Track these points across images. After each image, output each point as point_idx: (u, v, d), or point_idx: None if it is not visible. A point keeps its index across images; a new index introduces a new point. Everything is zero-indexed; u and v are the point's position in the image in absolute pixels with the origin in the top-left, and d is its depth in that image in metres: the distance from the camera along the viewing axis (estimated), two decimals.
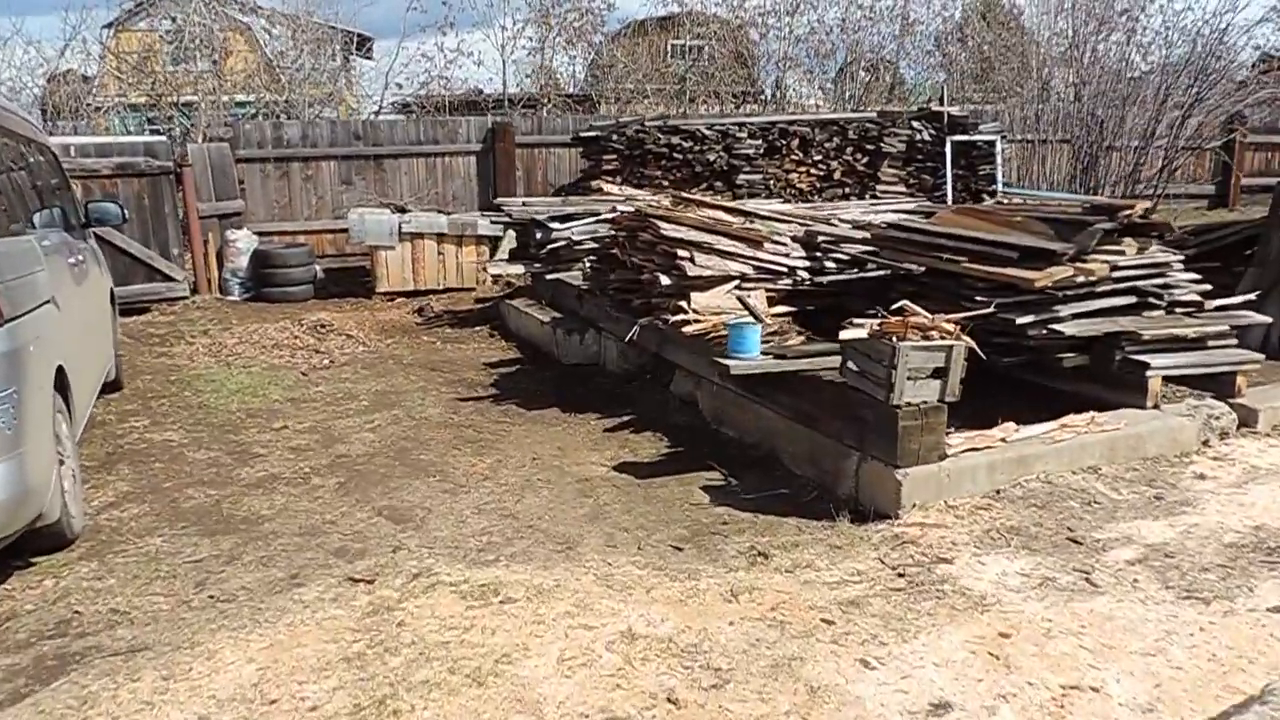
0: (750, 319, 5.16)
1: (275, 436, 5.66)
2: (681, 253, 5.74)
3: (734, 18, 18.89)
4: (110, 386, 6.66)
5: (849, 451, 4.35)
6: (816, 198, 12.17)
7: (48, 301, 4.04)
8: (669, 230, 5.79)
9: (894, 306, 4.23)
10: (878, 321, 4.11)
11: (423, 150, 12.23)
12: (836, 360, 4.65)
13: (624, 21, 19.90)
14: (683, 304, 5.67)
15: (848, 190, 12.60)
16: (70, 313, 4.62)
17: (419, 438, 5.61)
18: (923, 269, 5.28)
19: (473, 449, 5.37)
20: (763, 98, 19.36)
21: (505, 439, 5.58)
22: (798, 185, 12.42)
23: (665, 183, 11.63)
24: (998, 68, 18.03)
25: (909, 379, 3.95)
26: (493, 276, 9.83)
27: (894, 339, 3.95)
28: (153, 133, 15.16)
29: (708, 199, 6.67)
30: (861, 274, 5.91)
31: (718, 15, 19.00)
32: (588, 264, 7.32)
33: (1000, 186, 12.50)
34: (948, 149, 12.56)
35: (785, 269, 6.12)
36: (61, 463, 3.95)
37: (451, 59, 17.18)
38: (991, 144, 12.92)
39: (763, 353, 4.73)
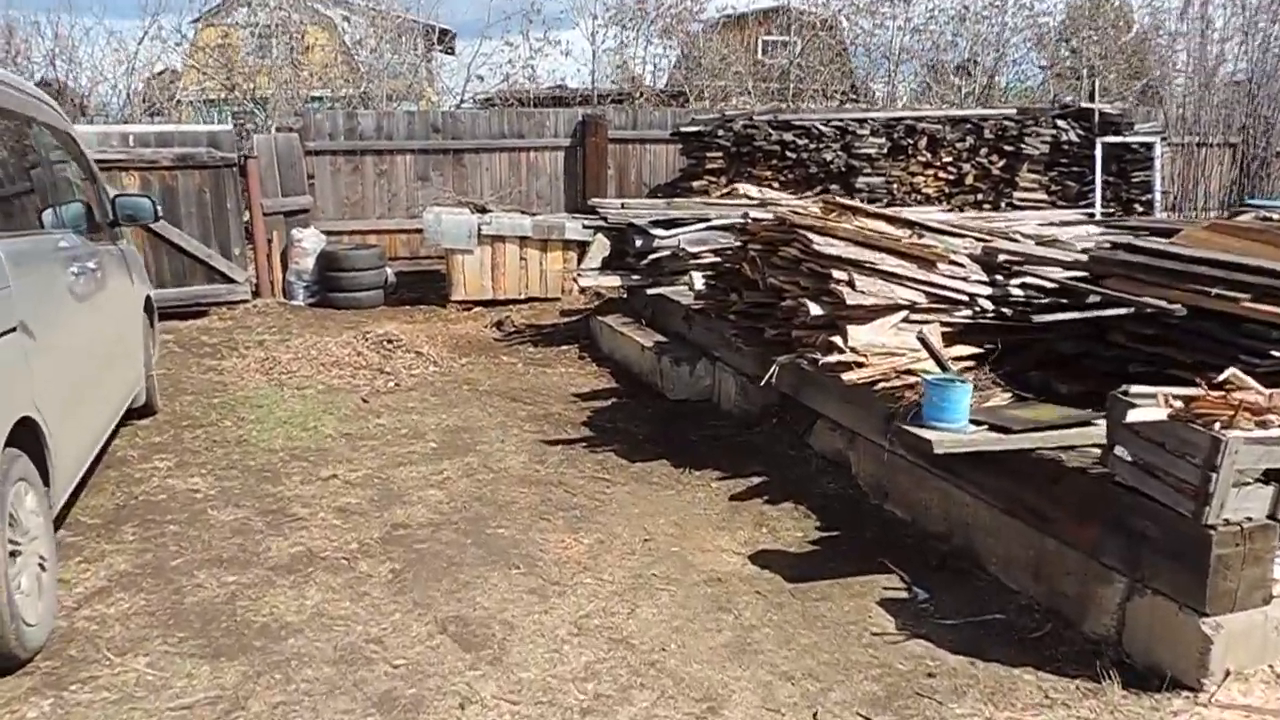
0: (943, 371, 3.86)
1: (320, 490, 4.55)
2: (838, 274, 4.45)
3: (846, 4, 17.38)
4: (140, 412, 5.68)
5: (1108, 574, 3.02)
6: (943, 204, 10.72)
7: (9, 331, 2.97)
8: (822, 245, 4.51)
9: (1219, 378, 2.86)
10: (1179, 394, 2.77)
11: (506, 145, 11.16)
12: (1076, 435, 3.33)
13: (722, 10, 18.59)
14: (835, 339, 4.39)
15: (980, 197, 11.12)
16: (60, 337, 3.57)
17: (497, 499, 4.44)
18: (1178, 306, 3.89)
19: (565, 520, 4.18)
20: (870, 96, 17.86)
21: (605, 505, 4.37)
22: (923, 190, 10.99)
23: (775, 184, 10.33)
24: (1144, 60, 16.19)
25: (1234, 486, 2.60)
26: (581, 288, 8.67)
27: (1214, 425, 2.61)
28: (238, 128, 14.50)
29: (868, 206, 5.39)
30: (1071, 306, 4.53)
31: (825, 5, 17.55)
32: (701, 279, 6.07)
33: (1254, 201, 10.75)
34: (1098, 151, 10.96)
35: (965, 296, 4.78)
36: (15, 555, 2.87)
37: (538, 48, 16.14)
38: (1149, 146, 11.26)
39: (973, 420, 3.42)
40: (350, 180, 10.73)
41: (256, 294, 9.72)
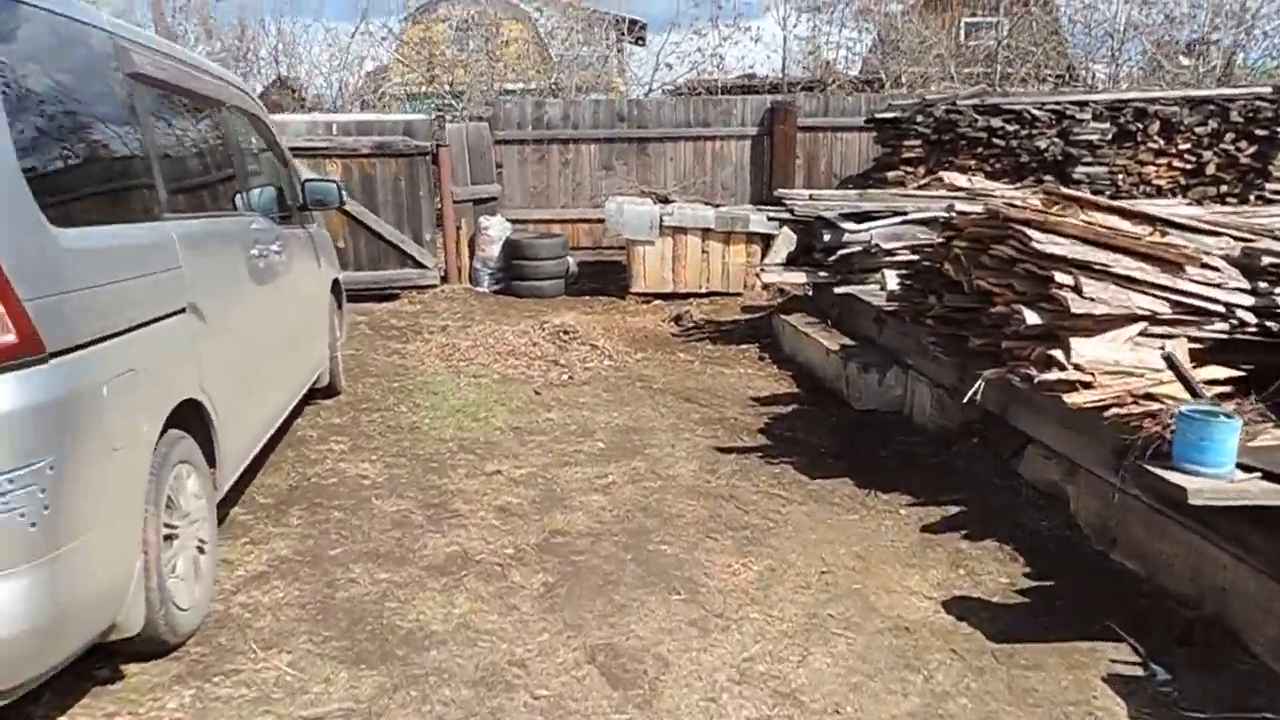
0: (1194, 398, 3.19)
1: (483, 486, 4.41)
2: (1061, 277, 3.82)
3: None
4: (324, 392, 5.80)
5: None
6: (1179, 197, 9.48)
7: (178, 312, 2.94)
8: (1044, 243, 3.89)
9: None
10: None
11: (691, 133, 10.88)
12: None
13: None
14: (1055, 353, 3.77)
15: (1224, 189, 9.78)
16: (237, 319, 3.56)
17: (663, 510, 4.14)
18: None
19: (734, 541, 3.81)
20: (1090, 78, 16.27)
21: (780, 526, 3.97)
22: (1154, 181, 9.79)
23: (980, 174, 9.48)
24: None
25: None
26: (764, 283, 8.25)
27: None
28: (437, 119, 15.05)
29: (1099, 199, 4.66)
30: None
31: None
32: (895, 279, 5.51)
33: None
34: None
35: (1219, 307, 4.02)
36: (171, 539, 2.83)
37: (726, 35, 15.76)
38: None
39: (1241, 465, 2.76)
40: (536, 169, 10.79)
41: (445, 279, 9.93)
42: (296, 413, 5.48)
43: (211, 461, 3.27)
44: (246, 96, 4.52)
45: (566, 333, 7.50)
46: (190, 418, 3.04)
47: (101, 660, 2.73)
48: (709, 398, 5.97)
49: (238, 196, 4.04)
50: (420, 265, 9.63)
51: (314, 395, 5.75)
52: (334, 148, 9.17)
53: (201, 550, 3.09)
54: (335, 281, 5.95)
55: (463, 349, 7.23)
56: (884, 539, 3.86)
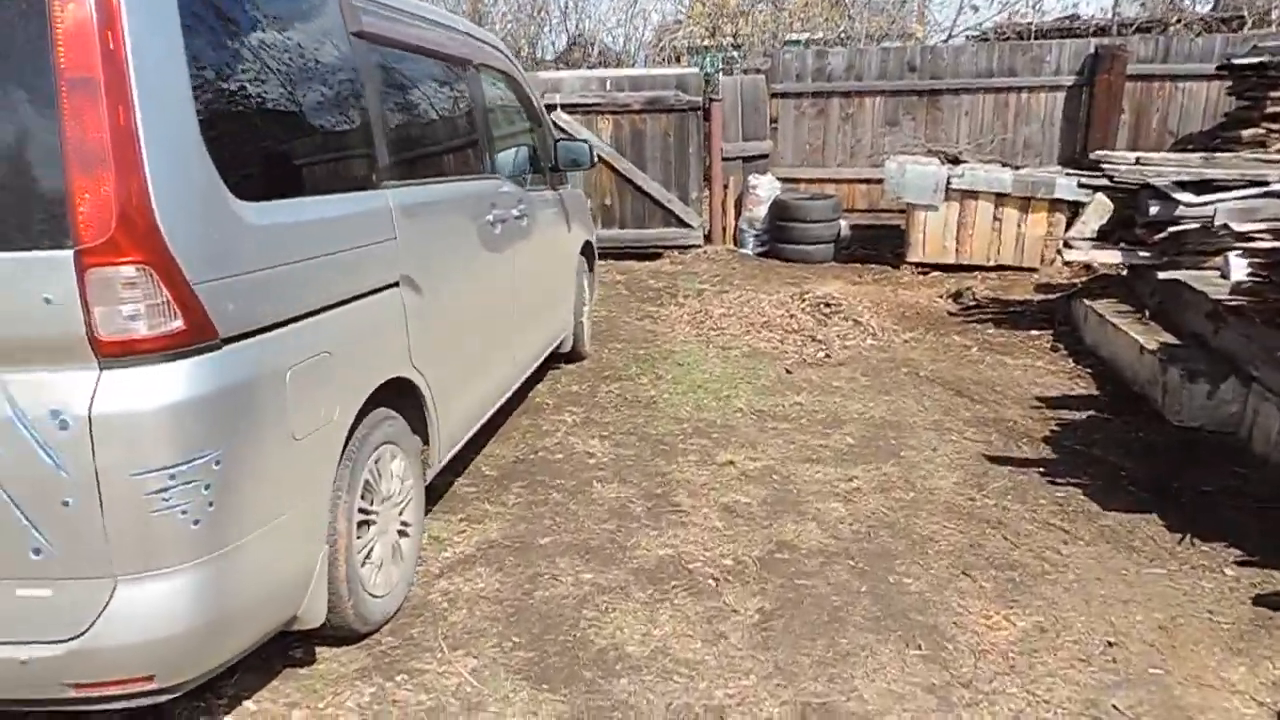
0: None
1: (712, 479, 4.04)
2: None
3: None
4: (568, 357, 5.70)
5: None
6: None
7: (389, 286, 2.79)
8: None
9: None
10: None
11: (992, 84, 9.67)
12: None
13: None
14: None
15: None
16: (461, 290, 3.41)
17: (912, 531, 3.54)
18: None
19: (996, 583, 3.15)
20: None
21: (1057, 570, 3.24)
22: None
23: None
24: None
25: None
26: (1066, 260, 7.12)
27: None
28: (727, 71, 14.67)
29: None
30: None
31: None
32: (1244, 267, 4.38)
33: None
34: None
35: None
36: (367, 524, 2.72)
37: None
38: None
39: None
40: (813, 125, 10.11)
41: (708, 239, 9.64)
42: (537, 377, 5.42)
43: (425, 439, 3.15)
44: (498, 54, 4.36)
45: (828, 305, 6.92)
46: (398, 396, 2.91)
47: (299, 639, 2.69)
48: (984, 392, 5.18)
49: (481, 159, 3.89)
50: (684, 224, 9.39)
51: (557, 360, 5.67)
52: (606, 104, 9.09)
53: (404, 533, 2.98)
54: (586, 244, 5.79)
55: (715, 317, 6.88)
56: (1200, 607, 3.02)
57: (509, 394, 4.25)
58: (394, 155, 2.92)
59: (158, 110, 1.86)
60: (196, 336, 1.93)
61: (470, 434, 3.68)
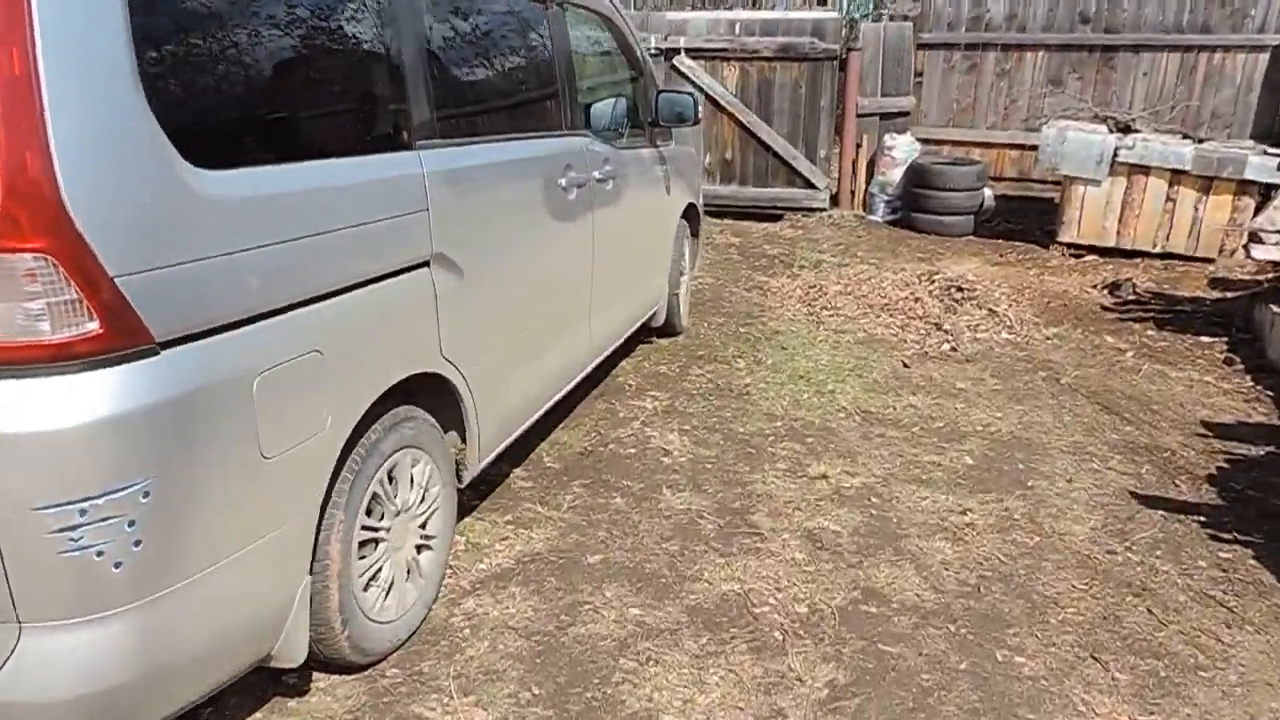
0: None
1: (800, 495, 3.51)
2: None
3: None
4: (660, 331, 5.23)
5: None
6: None
7: (416, 266, 2.37)
8: None
9: None
10: None
11: (1180, 41, 8.45)
12: None
13: None
14: None
15: None
16: (512, 268, 2.96)
17: (1032, 588, 2.94)
18: None
19: (1134, 677, 2.53)
20: None
21: (1217, 664, 2.59)
22: None
23: None
24: None
25: None
26: (1250, 254, 6.11)
27: None
28: (875, 18, 13.52)
29: None
30: None
31: None
32: None
33: None
34: None
35: None
36: (375, 543, 2.35)
37: None
38: None
39: None
40: (963, 80, 9.14)
41: (834, 203, 8.91)
42: (624, 352, 4.98)
43: (462, 437, 2.76)
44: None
45: (960, 289, 6.18)
46: (424, 393, 2.51)
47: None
48: (1138, 410, 4.42)
49: (558, 114, 3.41)
50: (809, 185, 8.68)
51: (649, 333, 5.21)
52: (733, 50, 8.41)
53: (425, 548, 2.61)
54: (690, 207, 5.25)
55: (830, 294, 6.24)
56: None
57: (580, 378, 3.82)
58: (435, 109, 2.48)
59: (71, 45, 1.46)
60: (121, 341, 1.55)
61: (525, 428, 3.27)
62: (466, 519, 3.23)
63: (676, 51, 8.39)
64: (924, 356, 5.17)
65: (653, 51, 8.11)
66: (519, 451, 3.75)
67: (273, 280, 1.85)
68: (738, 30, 8.45)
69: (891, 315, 5.84)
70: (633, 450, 3.87)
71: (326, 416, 2.03)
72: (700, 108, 4.42)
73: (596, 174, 3.63)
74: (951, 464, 3.83)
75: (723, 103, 8.48)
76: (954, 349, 5.29)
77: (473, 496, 3.40)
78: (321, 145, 2.05)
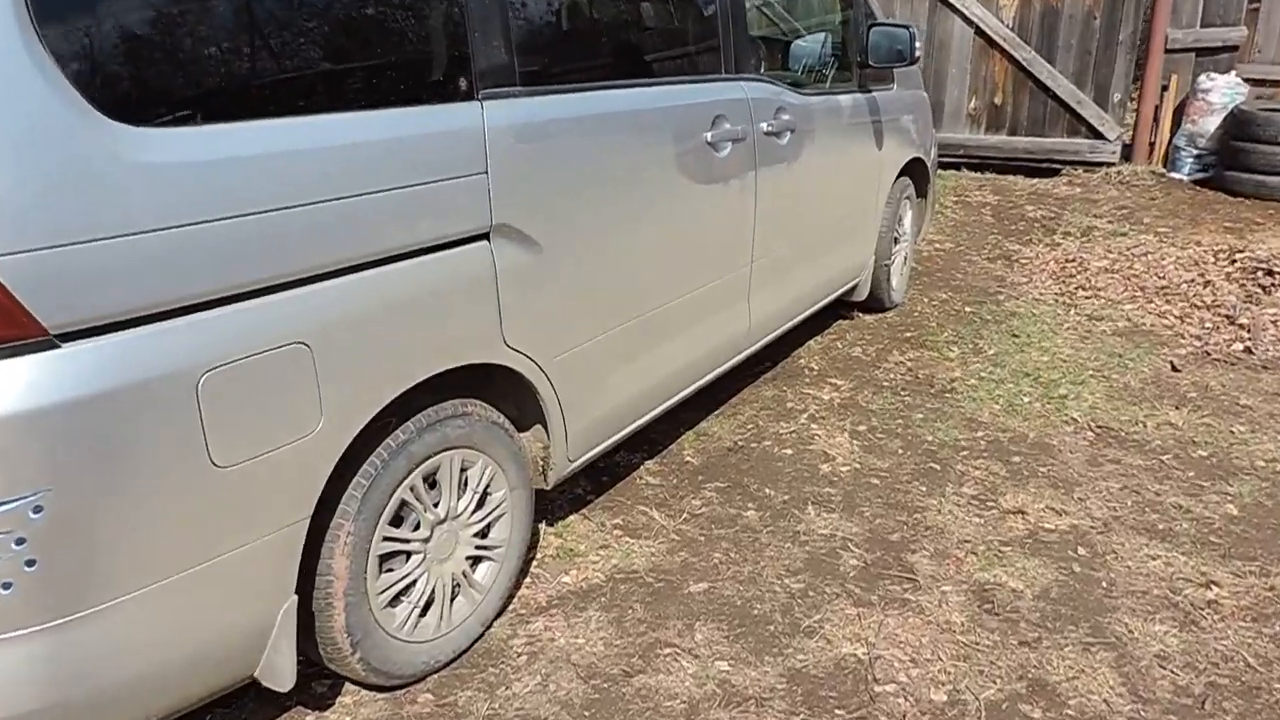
0: None
1: (980, 534, 2.81)
2: None
3: None
4: (864, 306, 4.56)
5: None
6: None
7: (471, 239, 2.00)
8: None
9: None
10: None
11: None
12: None
13: None
14: None
15: None
16: (611, 242, 2.49)
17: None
18: None
19: None
20: None
21: None
22: None
23: None
24: None
25: None
26: None
27: None
28: None
29: None
30: None
31: None
32: None
33: None
34: None
35: None
36: (401, 556, 2.05)
37: None
38: None
39: None
40: None
41: (1127, 157, 7.49)
42: (814, 329, 4.38)
43: (546, 430, 2.40)
44: None
45: (1272, 272, 4.89)
46: (485, 384, 2.16)
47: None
48: None
49: (714, 54, 2.87)
50: (1096, 135, 7.34)
51: (851, 307, 4.55)
52: None
53: (482, 559, 2.29)
54: (914, 162, 4.49)
55: (1092, 270, 5.18)
56: None
57: (730, 366, 3.31)
58: (513, 51, 2.06)
59: None
60: None
61: (642, 423, 2.84)
62: (572, 516, 2.89)
63: None
64: (1202, 358, 4.10)
65: None
66: (660, 440, 3.34)
67: (229, 261, 1.55)
68: None
69: (1168, 301, 4.72)
70: (789, 451, 3.32)
71: (317, 418, 1.73)
72: (916, 44, 3.64)
73: (765, 126, 3.06)
74: (1207, 512, 2.93)
75: (995, 37, 7.34)
76: (1248, 350, 4.16)
77: (590, 488, 3.05)
78: (315, 97, 1.71)
